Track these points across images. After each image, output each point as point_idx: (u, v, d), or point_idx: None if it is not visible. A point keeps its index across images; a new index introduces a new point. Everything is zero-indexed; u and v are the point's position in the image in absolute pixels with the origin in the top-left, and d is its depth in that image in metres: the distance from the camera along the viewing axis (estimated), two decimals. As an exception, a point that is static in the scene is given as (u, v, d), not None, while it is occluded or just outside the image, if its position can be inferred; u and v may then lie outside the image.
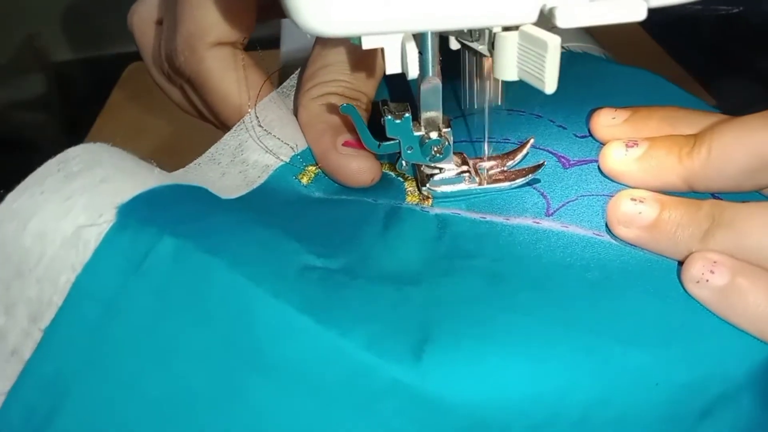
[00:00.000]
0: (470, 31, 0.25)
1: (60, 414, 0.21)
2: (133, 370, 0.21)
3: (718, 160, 0.25)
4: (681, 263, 0.25)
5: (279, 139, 0.29)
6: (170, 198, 0.23)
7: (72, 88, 0.83)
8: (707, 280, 0.23)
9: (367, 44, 0.24)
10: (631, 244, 0.26)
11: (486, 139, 0.29)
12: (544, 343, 0.22)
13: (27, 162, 0.24)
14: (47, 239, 0.21)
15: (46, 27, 0.80)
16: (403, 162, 0.28)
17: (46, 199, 0.22)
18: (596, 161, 0.29)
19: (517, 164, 0.30)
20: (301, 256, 0.24)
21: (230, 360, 0.22)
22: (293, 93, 0.33)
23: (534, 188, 0.29)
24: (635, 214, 0.25)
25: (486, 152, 0.29)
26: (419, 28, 0.22)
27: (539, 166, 0.29)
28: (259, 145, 0.29)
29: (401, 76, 0.25)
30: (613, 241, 0.26)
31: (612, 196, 0.27)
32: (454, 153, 0.29)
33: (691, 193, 0.27)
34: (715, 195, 0.27)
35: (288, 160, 0.29)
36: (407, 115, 0.27)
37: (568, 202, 0.28)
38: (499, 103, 0.28)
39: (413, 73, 0.24)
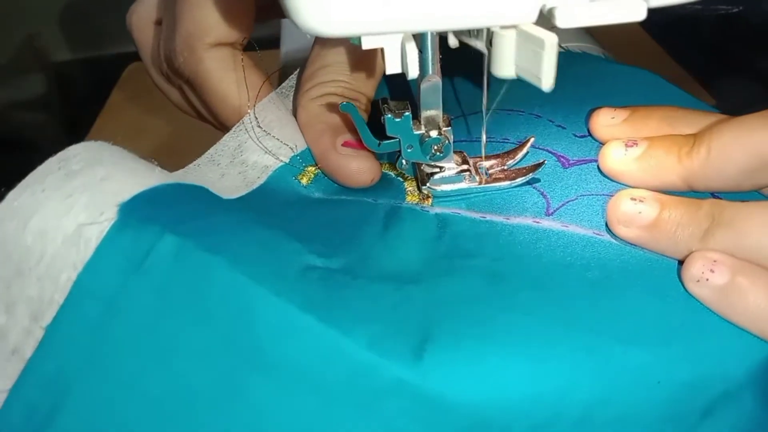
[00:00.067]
0: (469, 29, 0.25)
1: (61, 413, 0.21)
2: (134, 369, 0.21)
3: (718, 160, 0.25)
4: (681, 262, 0.25)
5: (278, 139, 0.29)
6: (171, 197, 0.23)
7: (72, 88, 0.83)
8: (707, 279, 0.23)
9: (367, 44, 0.24)
10: (631, 244, 0.26)
11: (484, 139, 0.29)
12: (545, 343, 0.22)
13: (27, 162, 0.24)
14: (48, 237, 0.21)
15: (46, 27, 0.80)
16: (403, 161, 0.28)
17: (47, 197, 0.22)
18: (596, 161, 0.29)
19: (517, 163, 0.30)
20: (302, 255, 0.24)
21: (231, 359, 0.22)
22: (292, 93, 0.33)
23: (534, 188, 0.29)
24: (635, 213, 0.25)
25: (483, 152, 0.29)
26: (419, 28, 0.22)
27: (539, 165, 0.29)
28: (258, 146, 0.29)
29: (401, 75, 0.25)
30: (613, 241, 0.26)
31: (611, 196, 0.27)
32: (455, 152, 0.29)
33: (691, 193, 0.27)
34: (714, 194, 0.27)
35: (287, 161, 0.29)
36: (407, 113, 0.26)
37: (567, 202, 0.28)
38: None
39: (413, 73, 0.24)
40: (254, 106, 0.29)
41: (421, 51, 0.25)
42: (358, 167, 0.28)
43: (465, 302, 0.23)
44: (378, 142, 0.27)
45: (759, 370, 0.23)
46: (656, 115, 0.29)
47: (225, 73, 0.30)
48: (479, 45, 0.24)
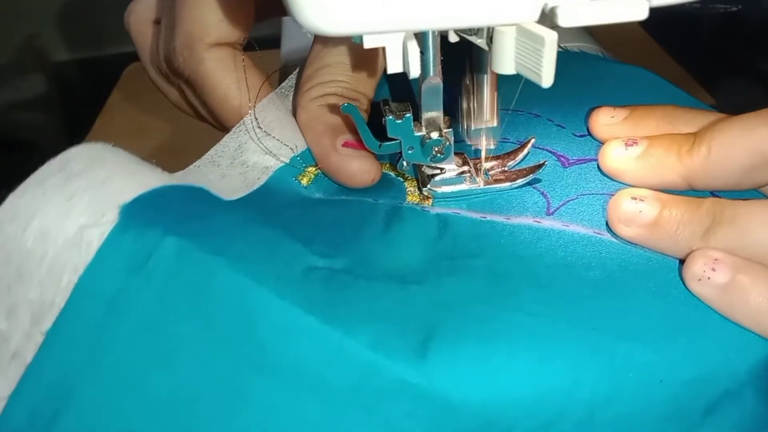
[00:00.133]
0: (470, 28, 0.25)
1: (63, 417, 0.21)
2: (136, 372, 0.21)
3: (718, 158, 0.25)
4: (682, 261, 0.25)
5: (278, 140, 0.29)
6: (173, 198, 0.23)
7: (72, 88, 0.83)
8: (709, 278, 0.23)
9: (368, 43, 0.23)
10: (632, 243, 0.26)
11: (482, 136, 0.29)
12: (549, 342, 0.22)
13: (27, 162, 0.23)
14: (49, 240, 0.21)
15: (46, 27, 0.80)
16: (404, 162, 0.28)
17: (48, 199, 0.21)
18: (595, 160, 0.29)
19: (517, 164, 0.29)
20: (304, 256, 0.24)
21: (234, 360, 0.21)
22: (292, 93, 0.32)
23: (534, 187, 0.29)
24: (636, 212, 0.25)
25: (484, 153, 0.29)
26: (420, 27, 0.22)
27: (540, 166, 0.29)
28: (259, 147, 0.29)
29: (402, 76, 0.24)
30: (614, 240, 0.26)
31: (612, 195, 0.27)
32: (455, 153, 0.28)
33: (691, 192, 0.27)
34: (714, 193, 0.27)
35: (288, 162, 0.29)
36: (408, 115, 0.26)
37: (568, 201, 0.28)
38: (495, 125, 0.28)
39: (415, 72, 0.24)
40: (254, 106, 0.29)
41: (423, 52, 0.25)
42: (359, 167, 0.28)
43: (468, 302, 0.23)
44: (379, 143, 0.27)
45: (761, 368, 0.23)
46: (656, 114, 0.29)
47: (225, 74, 0.30)
48: (480, 42, 0.24)
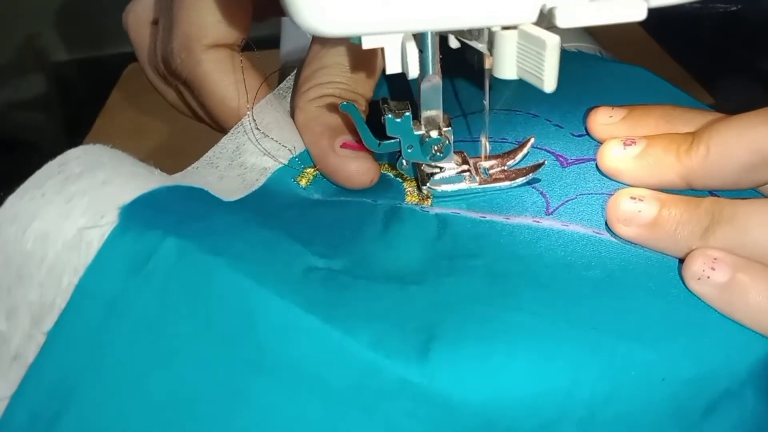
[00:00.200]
0: (470, 30, 0.24)
1: (64, 418, 0.21)
2: (137, 373, 0.21)
3: (717, 158, 0.25)
4: (682, 261, 0.24)
5: (277, 141, 0.29)
6: (172, 199, 0.23)
7: (71, 88, 0.82)
8: (708, 277, 0.23)
9: (367, 44, 0.23)
10: (632, 243, 0.26)
11: (484, 141, 0.29)
12: (549, 341, 0.22)
13: (27, 162, 0.23)
14: (49, 241, 0.21)
15: (46, 27, 0.79)
16: (404, 161, 0.28)
17: (48, 201, 0.21)
18: (594, 160, 0.29)
19: (517, 163, 0.29)
20: (304, 256, 0.24)
21: (234, 361, 0.21)
22: (290, 95, 0.32)
23: (533, 187, 0.28)
24: (635, 212, 0.25)
25: (484, 152, 0.29)
26: (419, 28, 0.22)
27: (539, 166, 0.28)
28: (257, 148, 0.28)
29: (401, 75, 0.24)
30: (613, 240, 0.26)
31: (611, 195, 0.26)
32: (455, 152, 0.28)
33: (689, 191, 0.26)
34: (713, 193, 0.27)
35: (286, 163, 0.29)
36: (407, 113, 0.26)
37: (567, 201, 0.28)
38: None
39: (413, 73, 0.24)
40: (252, 108, 0.29)
41: (422, 51, 0.25)
42: (357, 168, 0.28)
43: (468, 302, 0.23)
44: (378, 142, 0.27)
45: (761, 367, 0.22)
46: (654, 114, 0.28)
47: (223, 75, 0.29)
48: (480, 46, 0.23)
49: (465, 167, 0.28)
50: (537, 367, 0.22)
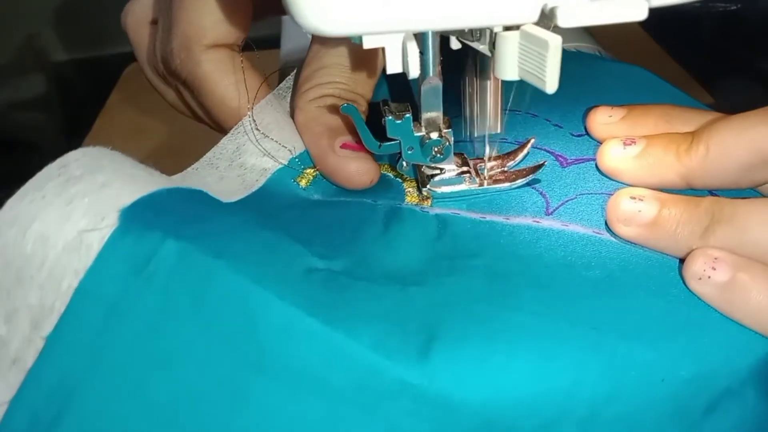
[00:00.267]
0: (471, 31, 0.24)
1: (64, 421, 0.20)
2: (137, 376, 0.21)
3: (717, 157, 0.25)
4: (682, 260, 0.24)
5: (277, 142, 0.28)
6: (172, 201, 0.23)
7: (71, 88, 0.82)
8: (709, 277, 0.23)
9: (368, 44, 0.23)
10: (632, 242, 0.25)
11: (486, 140, 0.29)
12: (550, 341, 0.22)
13: (27, 162, 0.23)
14: (49, 244, 0.21)
15: (46, 27, 0.79)
16: (404, 162, 0.27)
17: (48, 203, 0.21)
18: (593, 160, 0.29)
19: (517, 164, 0.29)
20: (304, 258, 0.23)
21: (235, 363, 0.21)
22: (289, 95, 0.32)
23: (533, 188, 0.28)
24: (635, 212, 0.25)
25: (484, 153, 0.29)
26: (420, 27, 0.22)
27: (539, 166, 0.28)
28: (257, 148, 0.28)
29: (401, 76, 0.24)
30: (613, 239, 0.26)
31: (610, 195, 0.26)
32: (455, 153, 0.28)
33: (689, 191, 0.26)
34: (712, 192, 0.27)
35: (286, 163, 0.28)
36: (408, 115, 0.26)
37: (567, 201, 0.27)
38: (499, 131, 0.28)
39: (414, 72, 0.23)
40: (252, 108, 0.29)
41: (422, 53, 0.24)
42: (357, 169, 0.28)
43: (468, 302, 0.23)
44: (378, 143, 0.27)
45: (761, 366, 0.22)
46: (654, 114, 0.28)
47: (222, 76, 0.29)
48: (482, 48, 0.23)
49: (465, 168, 0.28)
50: (537, 367, 0.21)
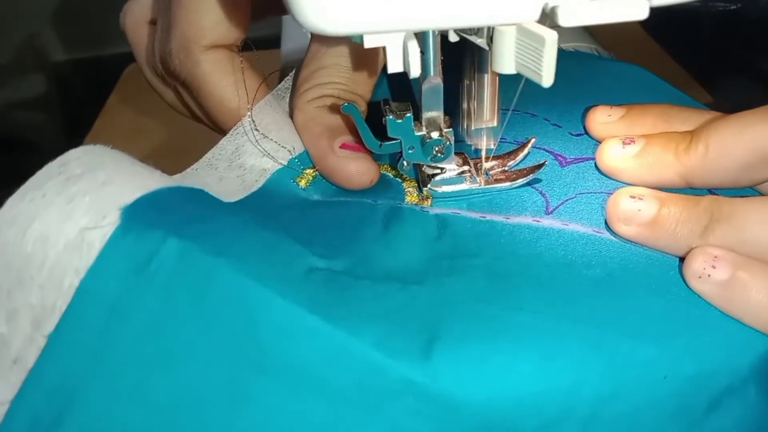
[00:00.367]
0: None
1: (66, 420, 0.20)
2: (139, 375, 0.21)
3: (716, 156, 0.25)
4: (682, 259, 0.24)
5: (276, 142, 0.28)
6: (173, 200, 0.23)
7: (71, 88, 0.81)
8: (709, 275, 0.23)
9: (368, 43, 0.23)
10: (632, 241, 0.25)
11: (483, 134, 0.28)
12: (552, 340, 0.22)
13: (27, 162, 0.23)
14: (49, 243, 0.20)
15: (46, 27, 0.79)
16: (405, 162, 0.27)
17: (48, 202, 0.21)
18: (592, 159, 0.28)
19: (517, 164, 0.29)
20: (305, 257, 0.23)
21: (237, 362, 0.21)
22: (288, 95, 0.32)
23: (533, 187, 0.28)
24: (634, 211, 0.25)
25: (484, 153, 0.29)
26: (421, 26, 0.22)
27: (540, 166, 0.28)
28: (257, 149, 0.28)
29: (402, 76, 0.24)
30: (614, 238, 0.25)
31: (610, 194, 0.26)
32: (456, 153, 0.28)
33: (688, 190, 0.26)
34: (711, 191, 0.27)
35: (285, 164, 0.28)
36: (409, 114, 0.26)
37: (566, 200, 0.27)
38: (495, 124, 0.27)
39: (415, 72, 0.23)
40: (251, 109, 0.29)
41: (423, 52, 0.24)
42: (357, 169, 0.28)
43: (470, 301, 0.23)
44: (379, 143, 0.26)
45: (762, 364, 0.22)
46: (652, 113, 0.28)
47: (221, 76, 0.29)
48: (480, 42, 0.23)
49: (466, 168, 0.28)
50: (539, 367, 0.21)
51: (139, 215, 0.21)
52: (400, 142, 0.26)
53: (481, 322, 0.22)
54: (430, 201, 0.28)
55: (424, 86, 0.25)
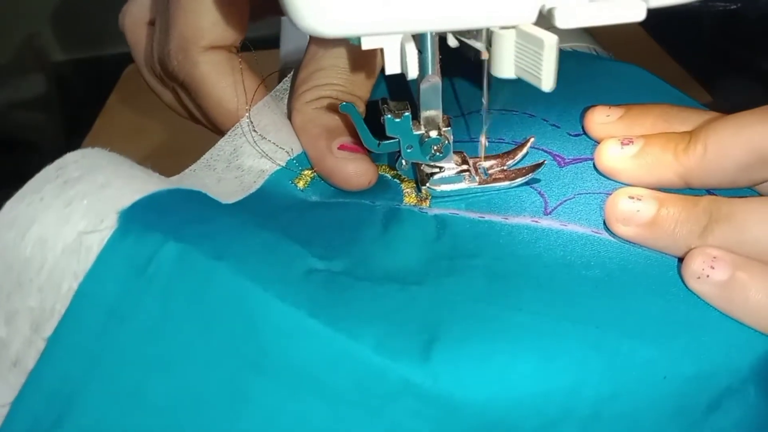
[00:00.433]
0: (468, 29, 0.24)
1: (66, 423, 0.20)
2: (138, 377, 0.20)
3: (714, 156, 0.25)
4: (681, 260, 0.24)
5: (274, 143, 0.28)
6: (171, 202, 0.23)
7: (71, 88, 0.81)
8: (708, 276, 0.23)
9: (366, 45, 0.23)
10: (630, 242, 0.25)
11: (483, 140, 0.28)
12: (552, 340, 0.21)
13: (27, 162, 0.23)
14: (48, 246, 0.20)
15: (46, 27, 0.78)
16: (403, 161, 0.27)
17: (46, 205, 0.21)
18: (591, 159, 0.28)
19: (516, 163, 0.29)
20: (304, 258, 0.23)
21: (237, 365, 0.21)
22: (286, 96, 0.32)
23: (531, 187, 0.28)
24: (633, 211, 0.25)
25: (483, 152, 0.29)
26: (418, 28, 0.22)
27: (539, 166, 0.28)
28: (255, 150, 0.28)
29: (400, 76, 0.24)
30: (612, 239, 0.25)
31: (608, 194, 0.26)
32: (454, 152, 0.28)
33: (687, 190, 0.26)
34: (710, 191, 0.26)
35: (284, 165, 0.28)
36: (407, 113, 0.26)
37: (565, 201, 0.27)
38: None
39: (413, 73, 0.23)
40: (249, 110, 0.28)
41: (421, 51, 0.24)
42: (355, 170, 0.27)
43: (469, 302, 0.23)
44: (378, 142, 0.26)
45: (761, 364, 0.22)
46: (651, 113, 0.28)
47: (220, 77, 0.29)
48: (479, 45, 0.23)
49: (464, 167, 0.28)
50: (539, 367, 0.21)
51: (138, 218, 0.21)
52: (399, 141, 0.26)
53: (480, 322, 0.22)
54: (428, 202, 0.28)
55: (423, 85, 0.25)
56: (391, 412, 0.21)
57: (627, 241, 0.25)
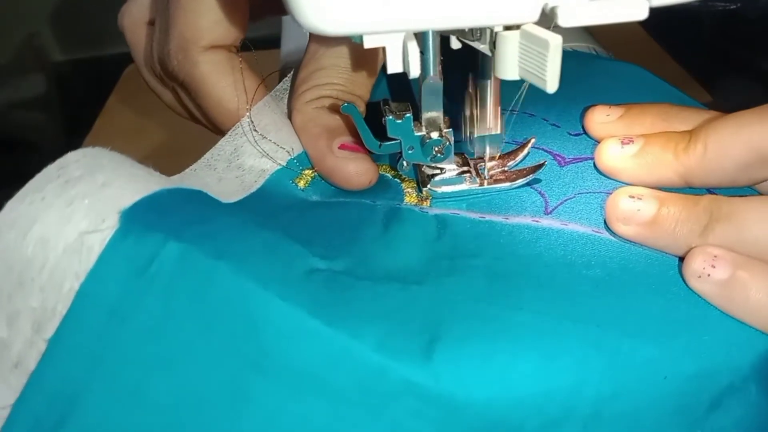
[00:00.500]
0: (471, 31, 0.24)
1: (68, 424, 0.20)
2: (140, 378, 0.20)
3: (714, 156, 0.25)
4: (681, 259, 0.24)
5: (275, 143, 0.28)
6: (172, 202, 0.22)
7: (71, 88, 0.81)
8: (709, 275, 0.23)
9: (368, 43, 0.23)
10: (631, 241, 0.25)
11: (486, 141, 0.28)
12: (553, 340, 0.21)
13: (27, 162, 0.23)
14: (49, 246, 0.20)
15: (46, 27, 0.78)
16: (404, 162, 0.27)
17: (48, 205, 0.21)
18: (591, 159, 0.28)
19: (517, 164, 0.29)
20: (305, 258, 0.23)
21: (238, 364, 0.21)
22: (287, 96, 0.31)
23: (532, 187, 0.28)
24: (634, 211, 0.25)
25: (487, 153, 0.29)
26: (420, 27, 0.21)
27: (540, 166, 0.28)
28: (256, 149, 0.28)
29: (401, 76, 0.24)
30: (613, 238, 0.25)
31: (609, 194, 0.26)
32: (455, 153, 0.27)
33: (687, 189, 0.26)
34: (710, 191, 0.26)
35: (284, 164, 0.28)
36: (408, 114, 0.25)
37: (565, 200, 0.27)
38: (499, 131, 0.27)
39: (415, 72, 0.23)
40: (250, 109, 0.28)
41: (423, 52, 0.24)
42: (356, 169, 0.27)
43: (470, 301, 0.23)
44: (379, 143, 0.26)
45: (762, 363, 0.22)
46: (651, 112, 0.28)
47: (220, 77, 0.29)
48: (482, 47, 0.23)
49: (465, 168, 0.28)
50: (540, 366, 0.21)
51: (139, 218, 0.21)
52: (400, 142, 0.26)
53: (481, 322, 0.22)
54: (429, 201, 0.28)
55: (424, 86, 0.25)
56: (392, 411, 0.21)
57: (627, 240, 0.25)
